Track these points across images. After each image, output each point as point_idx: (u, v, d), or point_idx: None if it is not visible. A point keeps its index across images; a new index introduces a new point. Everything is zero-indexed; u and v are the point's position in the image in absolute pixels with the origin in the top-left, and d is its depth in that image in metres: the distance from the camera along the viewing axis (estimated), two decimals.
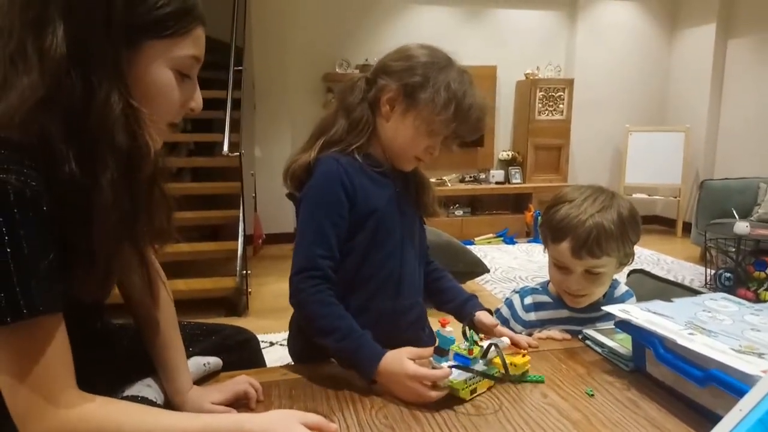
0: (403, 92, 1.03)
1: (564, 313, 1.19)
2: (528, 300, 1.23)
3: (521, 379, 0.93)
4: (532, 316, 1.21)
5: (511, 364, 0.91)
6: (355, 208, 1.02)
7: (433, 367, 0.87)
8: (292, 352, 1.21)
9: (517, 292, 1.28)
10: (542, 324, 1.19)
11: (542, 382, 0.92)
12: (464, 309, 1.14)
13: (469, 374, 0.87)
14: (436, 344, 0.89)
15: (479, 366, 0.89)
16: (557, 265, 1.14)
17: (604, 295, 1.20)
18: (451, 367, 0.86)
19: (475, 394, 0.88)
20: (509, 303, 1.26)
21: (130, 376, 0.86)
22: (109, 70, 0.64)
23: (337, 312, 0.98)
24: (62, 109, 0.62)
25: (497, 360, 0.91)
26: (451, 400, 0.86)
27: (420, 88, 1.01)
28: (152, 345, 0.88)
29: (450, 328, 0.88)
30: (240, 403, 0.86)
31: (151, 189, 0.77)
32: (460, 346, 0.90)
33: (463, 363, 0.88)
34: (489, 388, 0.91)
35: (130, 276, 0.84)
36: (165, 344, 0.88)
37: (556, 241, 1.11)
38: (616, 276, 1.21)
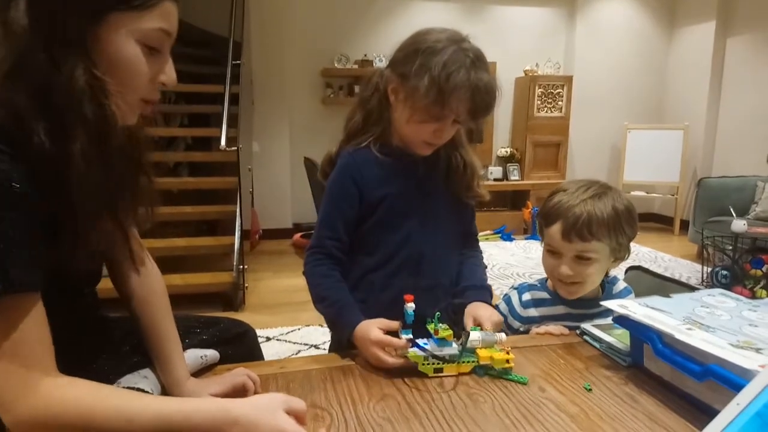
0: (400, 82, 1.07)
1: (561, 309, 1.19)
2: (526, 296, 1.23)
3: (500, 375, 0.92)
4: (530, 312, 1.21)
5: (489, 357, 0.92)
6: (364, 197, 1.12)
7: (408, 341, 0.93)
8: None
9: (515, 289, 1.28)
10: (540, 320, 1.19)
11: (525, 383, 0.90)
12: (463, 295, 1.15)
13: (427, 352, 0.92)
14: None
15: (450, 349, 0.92)
16: (549, 251, 1.16)
17: (602, 291, 1.20)
18: (408, 341, 0.92)
19: (440, 374, 0.92)
20: (507, 299, 1.26)
21: (125, 367, 0.86)
22: (73, 42, 0.64)
23: (331, 283, 1.10)
24: (28, 82, 0.62)
25: (482, 351, 0.92)
26: (419, 373, 0.91)
27: (411, 75, 1.03)
28: (147, 337, 0.88)
29: (411, 304, 0.94)
30: (238, 395, 0.86)
31: (137, 171, 0.79)
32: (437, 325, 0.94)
33: (419, 341, 0.93)
34: (461, 374, 0.92)
35: (115, 253, 0.82)
36: (160, 336, 0.88)
37: (548, 225, 1.14)
38: (614, 272, 1.21)
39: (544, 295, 1.22)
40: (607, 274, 1.21)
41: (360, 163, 1.12)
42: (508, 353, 0.92)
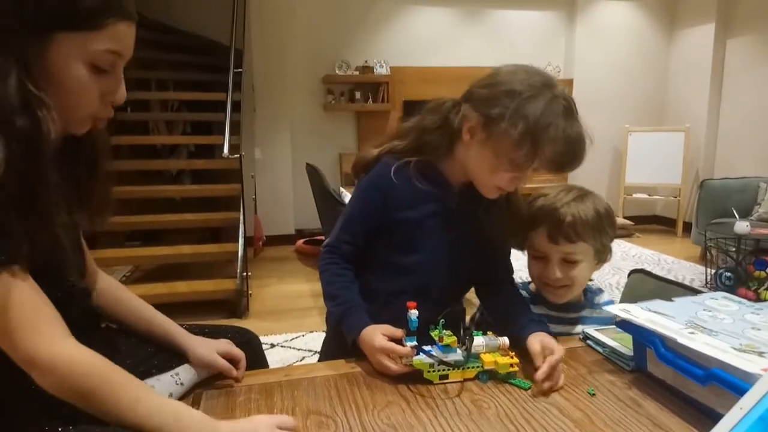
0: (483, 123, 1.00)
1: (542, 309, 1.20)
2: None
3: (505, 379, 0.93)
4: None
5: (494, 362, 0.92)
6: (386, 212, 1.10)
7: (412, 347, 0.93)
8: (322, 352, 1.31)
9: None
10: None
11: (527, 389, 0.90)
12: (521, 327, 1.04)
13: (434, 359, 0.92)
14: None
15: (455, 355, 0.92)
16: (535, 256, 1.17)
17: (584, 297, 1.21)
18: (413, 347, 0.92)
19: (445, 381, 0.92)
20: None
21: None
22: (9, 54, 0.64)
23: (343, 283, 1.11)
24: None
25: (486, 356, 0.93)
26: (424, 380, 0.92)
27: (499, 119, 0.96)
28: (132, 322, 0.94)
29: (415, 311, 0.93)
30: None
31: (91, 181, 0.82)
32: (442, 333, 0.94)
33: (424, 347, 0.93)
34: (466, 379, 0.93)
35: (63, 259, 0.81)
36: (143, 316, 0.95)
37: (532, 229, 1.14)
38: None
39: (525, 296, 1.22)
40: (590, 280, 1.22)
41: (395, 179, 1.08)
42: (512, 357, 0.93)
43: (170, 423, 0.68)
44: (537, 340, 0.97)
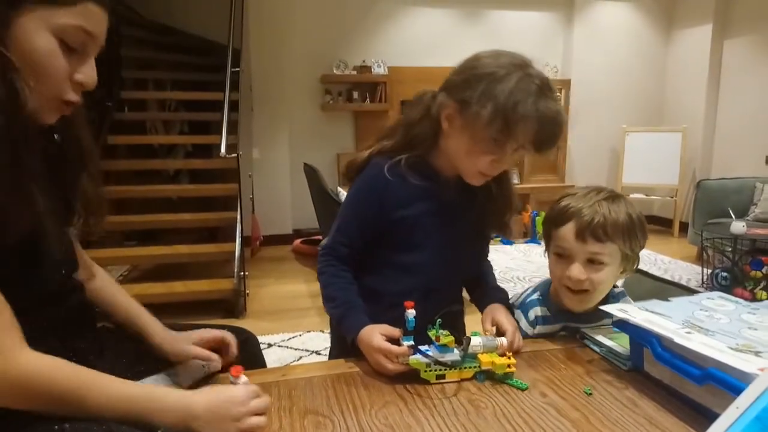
0: (458, 109, 1.00)
1: (562, 322, 1.16)
2: (531, 314, 1.17)
3: (502, 379, 0.92)
4: (538, 330, 1.16)
5: (491, 362, 0.92)
6: (383, 213, 1.09)
7: (409, 347, 0.94)
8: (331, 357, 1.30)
9: (517, 308, 1.21)
10: (545, 336, 1.15)
11: (524, 389, 0.90)
12: (480, 294, 1.17)
13: (431, 359, 0.93)
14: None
15: (452, 355, 0.92)
16: (559, 254, 1.09)
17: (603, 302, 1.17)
18: (410, 347, 0.93)
19: (442, 381, 0.92)
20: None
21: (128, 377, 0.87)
22: None
23: (341, 284, 1.11)
24: None
25: (484, 357, 0.93)
26: (421, 380, 0.92)
27: (471, 102, 0.97)
28: (114, 314, 0.94)
29: (412, 311, 0.95)
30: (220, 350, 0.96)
31: (79, 177, 0.82)
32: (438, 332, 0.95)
33: (421, 347, 0.94)
34: (464, 379, 0.93)
35: (47, 236, 0.79)
36: (127, 310, 0.95)
37: (559, 225, 1.07)
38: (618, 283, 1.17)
39: (546, 312, 1.16)
40: (615, 286, 1.16)
41: (388, 179, 1.08)
42: (509, 358, 0.93)
43: (146, 409, 0.69)
44: (489, 317, 1.08)
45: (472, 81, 0.98)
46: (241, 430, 0.72)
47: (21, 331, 0.67)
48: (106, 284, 0.97)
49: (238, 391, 0.75)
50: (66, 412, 0.66)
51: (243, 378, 0.79)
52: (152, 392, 0.73)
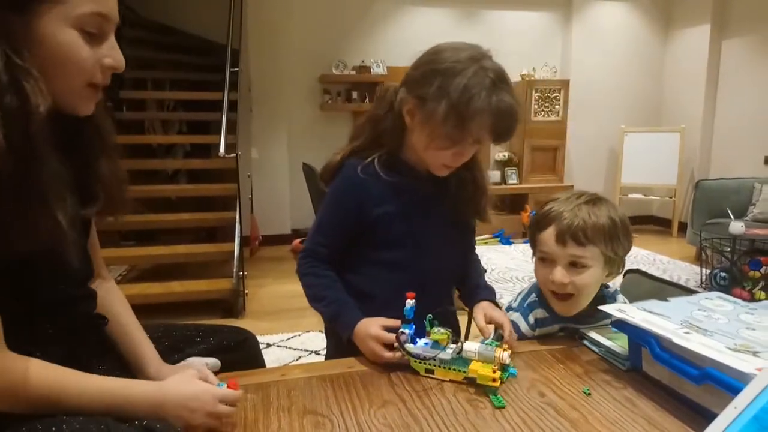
0: (417, 105, 1.02)
1: (561, 322, 1.16)
2: (531, 318, 1.17)
3: (485, 391, 0.89)
4: (538, 332, 1.16)
5: (476, 371, 0.89)
6: (363, 212, 1.10)
7: (401, 333, 0.95)
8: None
9: (515, 311, 1.20)
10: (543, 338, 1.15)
11: (499, 407, 0.84)
12: (471, 292, 1.17)
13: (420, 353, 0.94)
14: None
15: (442, 353, 0.93)
16: (542, 258, 1.12)
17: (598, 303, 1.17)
18: (401, 332, 0.95)
19: (431, 375, 0.94)
20: (514, 325, 1.17)
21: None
22: None
23: (326, 283, 1.12)
24: None
25: (475, 364, 0.90)
26: (420, 380, 0.93)
27: (427, 98, 0.99)
28: (115, 336, 0.92)
29: (412, 301, 0.96)
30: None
31: (98, 159, 0.81)
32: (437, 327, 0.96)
33: (412, 337, 0.97)
34: (452, 381, 0.92)
35: (67, 248, 0.77)
36: (128, 334, 0.93)
37: (542, 229, 1.10)
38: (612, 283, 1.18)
39: (544, 313, 1.16)
40: (607, 287, 1.17)
41: (363, 178, 1.09)
42: (494, 372, 0.88)
43: (120, 401, 0.70)
44: (481, 314, 1.08)
45: (428, 76, 0.99)
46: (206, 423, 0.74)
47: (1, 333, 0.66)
48: (113, 299, 0.95)
49: (209, 389, 0.77)
50: (45, 412, 0.66)
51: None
52: (125, 390, 0.73)
